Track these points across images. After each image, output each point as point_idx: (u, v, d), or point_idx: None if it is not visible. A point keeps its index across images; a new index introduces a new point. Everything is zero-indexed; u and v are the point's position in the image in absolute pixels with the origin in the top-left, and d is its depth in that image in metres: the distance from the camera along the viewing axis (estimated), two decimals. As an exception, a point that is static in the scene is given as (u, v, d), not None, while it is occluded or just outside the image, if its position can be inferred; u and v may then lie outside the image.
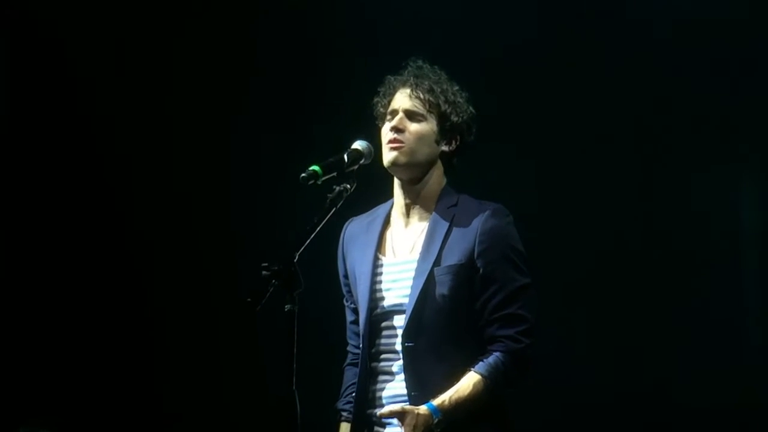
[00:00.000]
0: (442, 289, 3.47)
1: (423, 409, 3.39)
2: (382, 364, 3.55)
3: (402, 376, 3.49)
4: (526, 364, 3.46)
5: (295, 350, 3.09)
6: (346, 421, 3.67)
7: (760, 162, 5.08)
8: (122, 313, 5.76)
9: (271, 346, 3.25)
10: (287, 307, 3.11)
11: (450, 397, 3.40)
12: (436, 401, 3.39)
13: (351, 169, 3.44)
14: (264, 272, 3.10)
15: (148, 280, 5.77)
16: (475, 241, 3.49)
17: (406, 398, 3.47)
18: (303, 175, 3.33)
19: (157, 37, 5.80)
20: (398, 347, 3.51)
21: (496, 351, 3.45)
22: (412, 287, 3.50)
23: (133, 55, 5.82)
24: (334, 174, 3.39)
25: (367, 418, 3.55)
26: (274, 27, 5.68)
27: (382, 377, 3.55)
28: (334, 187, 3.38)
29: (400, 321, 3.52)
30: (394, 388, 3.51)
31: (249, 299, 3.08)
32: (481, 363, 3.43)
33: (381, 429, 3.54)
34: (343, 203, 3.36)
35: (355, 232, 3.73)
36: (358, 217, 3.76)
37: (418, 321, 3.48)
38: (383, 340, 3.56)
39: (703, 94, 5.04)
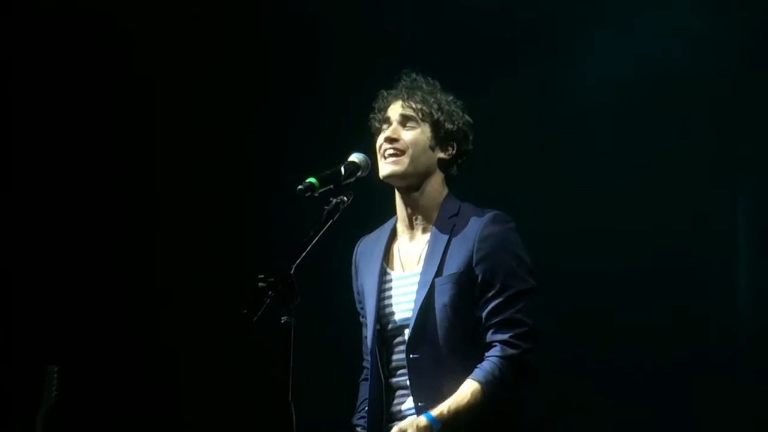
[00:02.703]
0: (443, 298, 3.47)
1: (422, 420, 3.37)
2: (396, 379, 3.55)
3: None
4: (524, 369, 3.43)
5: (291, 362, 3.08)
6: None
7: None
8: (120, 322, 5.78)
9: (266, 358, 3.24)
10: (283, 318, 3.10)
11: (449, 407, 3.38)
12: (435, 411, 3.38)
13: (348, 181, 3.45)
14: (260, 284, 3.10)
15: (145, 290, 5.79)
16: (473, 249, 3.48)
17: (415, 410, 3.47)
18: (300, 187, 3.34)
19: (171, 39, 5.84)
20: (408, 362, 3.51)
21: (492, 356, 3.43)
22: (415, 300, 3.50)
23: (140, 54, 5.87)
24: (331, 186, 3.40)
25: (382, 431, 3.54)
26: (278, 36, 5.72)
27: (397, 392, 3.55)
28: (331, 199, 3.38)
29: (407, 336, 3.52)
30: (407, 403, 3.52)
31: (245, 311, 3.08)
32: (477, 370, 3.42)
33: None
34: (340, 216, 3.36)
35: (366, 249, 3.75)
36: (368, 235, 3.78)
37: (422, 332, 3.47)
38: (395, 356, 3.57)
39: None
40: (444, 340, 3.45)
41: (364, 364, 3.76)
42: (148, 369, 5.70)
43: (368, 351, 3.63)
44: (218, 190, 5.73)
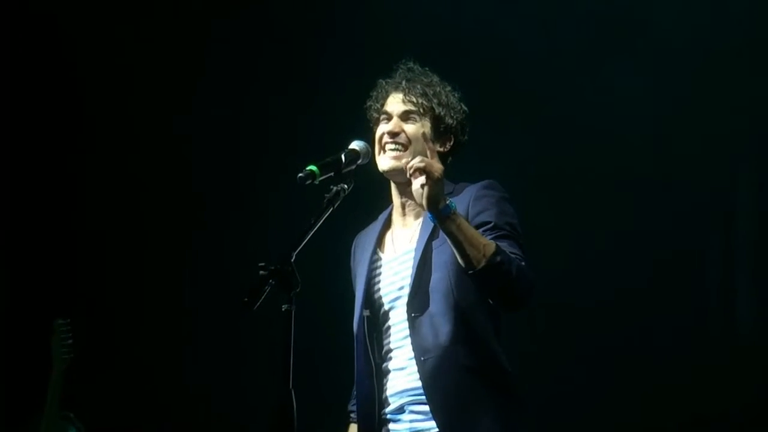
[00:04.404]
0: (443, 257, 3.46)
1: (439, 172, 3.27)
2: (386, 363, 3.55)
3: (406, 371, 3.48)
4: (527, 277, 3.34)
5: (291, 350, 3.08)
6: (355, 422, 3.67)
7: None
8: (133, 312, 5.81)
9: (267, 346, 3.24)
10: (284, 306, 3.10)
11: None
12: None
13: (348, 169, 3.44)
14: (261, 272, 3.09)
15: (149, 280, 5.82)
16: (468, 207, 3.48)
17: (411, 393, 3.47)
18: (300, 174, 3.33)
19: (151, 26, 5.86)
20: (399, 344, 3.51)
21: None
22: (413, 265, 3.49)
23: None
24: (332, 174, 3.39)
25: (375, 417, 3.53)
26: (267, 28, 5.73)
27: (388, 375, 3.54)
28: (332, 187, 3.37)
29: (400, 315, 3.51)
30: (397, 386, 3.51)
31: (246, 299, 3.07)
32: None
33: (388, 425, 3.53)
34: (340, 203, 3.35)
35: (362, 240, 3.75)
36: (365, 228, 3.78)
37: (422, 292, 3.46)
38: (385, 340, 3.56)
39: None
40: (444, 297, 3.44)
41: None
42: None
43: (355, 337, 3.61)
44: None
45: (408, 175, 3.35)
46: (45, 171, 5.96)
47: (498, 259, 3.30)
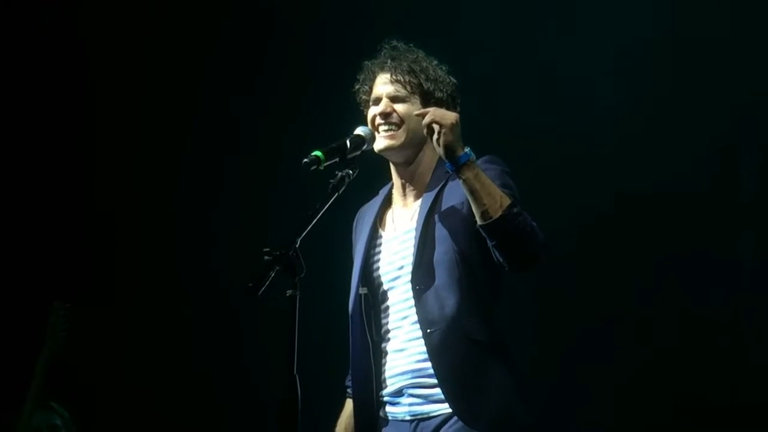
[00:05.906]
0: (444, 230, 3.44)
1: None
2: (385, 343, 3.53)
3: (406, 352, 3.46)
4: (543, 242, 3.35)
5: (296, 335, 3.06)
6: (352, 397, 3.65)
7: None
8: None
9: (272, 332, 3.22)
10: (288, 292, 3.09)
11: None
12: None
13: (353, 154, 3.43)
14: (266, 257, 3.08)
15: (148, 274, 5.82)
16: None
17: (409, 373, 3.45)
18: (305, 160, 3.32)
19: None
20: (397, 324, 3.49)
21: None
22: (415, 236, 3.46)
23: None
24: (337, 159, 3.38)
25: (372, 397, 3.51)
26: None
27: (388, 356, 3.51)
28: (337, 172, 3.37)
29: (399, 295, 3.50)
30: (396, 367, 3.49)
31: (250, 284, 3.06)
32: None
33: (386, 407, 3.51)
34: (346, 189, 3.35)
35: (362, 216, 3.73)
36: (366, 204, 3.75)
37: (425, 265, 3.43)
38: (384, 319, 3.54)
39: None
40: (449, 271, 3.42)
41: None
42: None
43: (351, 314, 3.58)
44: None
45: (425, 133, 3.36)
46: (45, 169, 5.95)
47: (515, 210, 3.30)
